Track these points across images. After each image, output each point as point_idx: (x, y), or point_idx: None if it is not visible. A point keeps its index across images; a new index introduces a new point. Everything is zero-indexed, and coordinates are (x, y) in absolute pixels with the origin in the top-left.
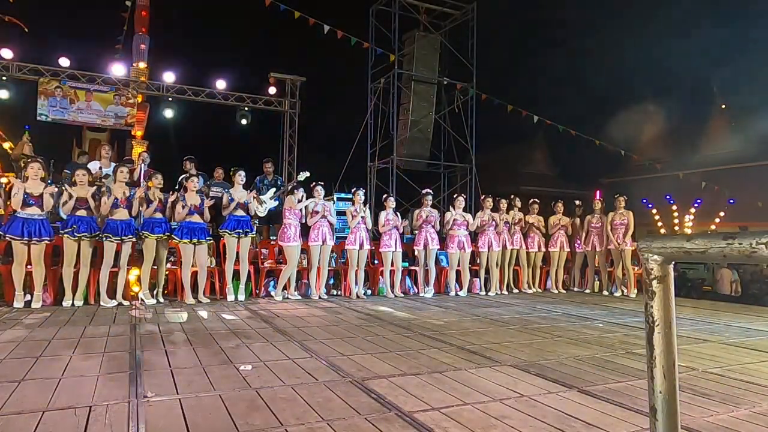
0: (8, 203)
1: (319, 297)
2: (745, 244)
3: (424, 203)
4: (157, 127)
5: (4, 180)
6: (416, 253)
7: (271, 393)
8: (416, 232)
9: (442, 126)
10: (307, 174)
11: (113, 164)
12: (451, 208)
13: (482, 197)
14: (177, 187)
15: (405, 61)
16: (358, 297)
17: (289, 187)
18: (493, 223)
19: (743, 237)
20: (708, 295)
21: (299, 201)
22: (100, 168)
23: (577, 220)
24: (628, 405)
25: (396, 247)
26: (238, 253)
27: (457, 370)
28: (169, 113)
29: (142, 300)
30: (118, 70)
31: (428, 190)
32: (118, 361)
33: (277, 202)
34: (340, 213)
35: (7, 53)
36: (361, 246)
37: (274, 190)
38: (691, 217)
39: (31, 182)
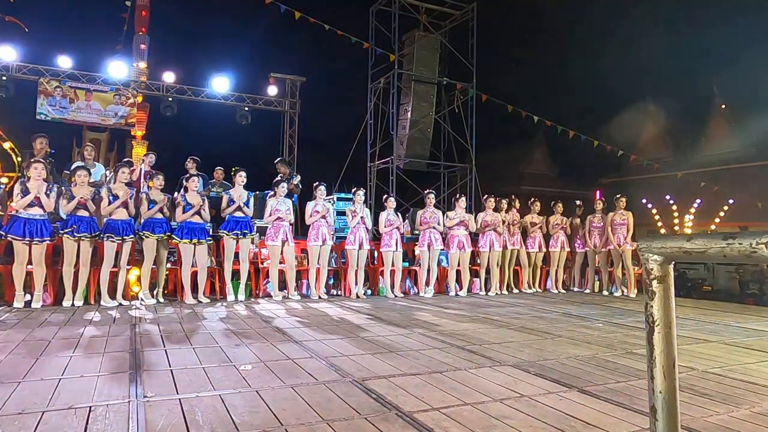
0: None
1: (319, 297)
2: (745, 244)
3: (427, 203)
4: (157, 127)
5: (4, 180)
6: (417, 252)
7: (271, 393)
8: (417, 232)
9: (442, 126)
10: (299, 177)
11: (98, 165)
12: (456, 208)
13: (484, 197)
14: (177, 188)
15: (405, 61)
16: (358, 297)
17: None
18: (496, 222)
19: (743, 237)
20: (708, 295)
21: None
22: None
23: (577, 220)
24: (628, 405)
25: (396, 248)
26: (237, 253)
27: (457, 370)
28: (169, 113)
29: (142, 300)
30: (118, 70)
31: (431, 191)
32: (118, 361)
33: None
34: (340, 213)
35: (7, 53)
36: (361, 246)
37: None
38: (691, 217)
39: (33, 182)
